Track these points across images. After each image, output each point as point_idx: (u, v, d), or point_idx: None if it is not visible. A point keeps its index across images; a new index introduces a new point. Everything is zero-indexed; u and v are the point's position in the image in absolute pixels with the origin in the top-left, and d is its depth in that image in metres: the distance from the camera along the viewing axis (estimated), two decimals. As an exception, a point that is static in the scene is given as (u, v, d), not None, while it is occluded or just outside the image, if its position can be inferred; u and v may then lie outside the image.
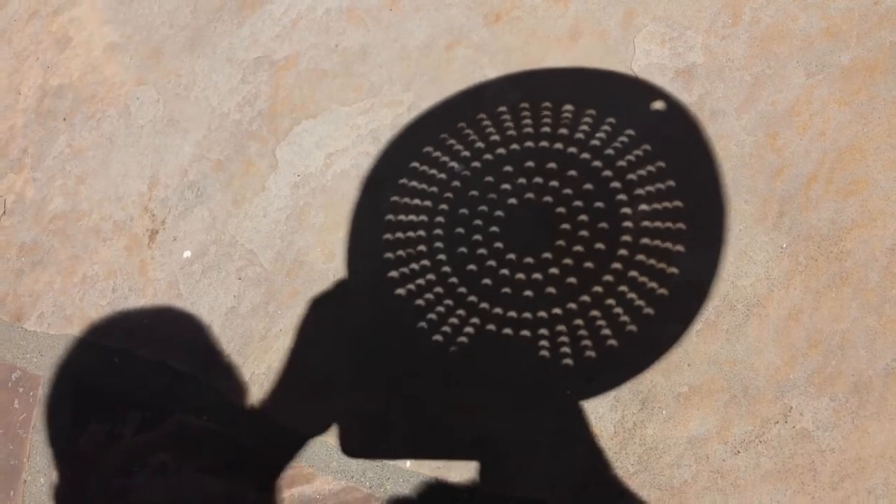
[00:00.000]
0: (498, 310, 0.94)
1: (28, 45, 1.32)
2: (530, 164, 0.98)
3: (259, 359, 1.02)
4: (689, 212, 0.91)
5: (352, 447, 0.96)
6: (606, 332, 0.90)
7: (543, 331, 0.92)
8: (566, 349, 0.91)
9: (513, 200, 0.97)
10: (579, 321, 0.91)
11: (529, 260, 0.94)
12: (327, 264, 1.02)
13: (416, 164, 1.02)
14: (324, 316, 1.01)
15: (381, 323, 0.98)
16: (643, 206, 0.93)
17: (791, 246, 0.86)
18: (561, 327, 0.92)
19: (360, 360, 0.98)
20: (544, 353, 0.91)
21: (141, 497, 1.02)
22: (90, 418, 1.07)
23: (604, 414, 0.88)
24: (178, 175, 1.14)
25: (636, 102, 0.97)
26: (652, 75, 0.97)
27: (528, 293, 0.94)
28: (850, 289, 0.84)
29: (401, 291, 0.98)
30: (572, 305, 0.92)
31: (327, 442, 0.96)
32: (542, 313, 0.92)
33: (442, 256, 0.98)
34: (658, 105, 0.95)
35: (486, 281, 0.95)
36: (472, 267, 0.96)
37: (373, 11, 1.12)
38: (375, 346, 0.97)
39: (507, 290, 0.94)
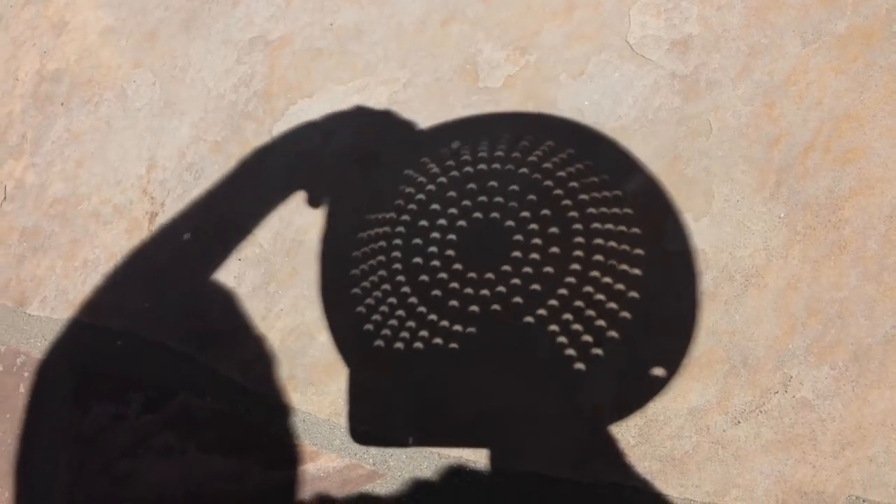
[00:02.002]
0: (501, 288, 0.94)
1: (24, 30, 1.31)
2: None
3: (261, 339, 1.02)
4: (678, 186, 0.91)
5: (355, 426, 0.96)
6: (607, 306, 0.90)
7: (544, 311, 0.92)
8: (567, 325, 0.91)
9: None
10: (579, 301, 0.91)
11: (537, 241, 0.94)
12: (326, 244, 1.02)
13: (411, 144, 1.02)
14: (323, 296, 1.01)
15: (381, 303, 0.98)
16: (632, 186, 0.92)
17: (789, 215, 0.86)
18: (559, 306, 0.92)
19: (362, 341, 0.98)
20: (545, 329, 0.91)
21: (147, 478, 1.03)
22: (94, 401, 1.08)
23: (605, 386, 0.88)
24: (176, 157, 1.14)
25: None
26: (647, 47, 0.96)
27: (530, 273, 0.94)
28: (848, 257, 0.84)
29: (397, 267, 0.98)
30: (571, 280, 0.92)
31: (330, 420, 0.97)
32: (543, 292, 0.93)
33: (453, 237, 0.98)
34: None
35: (490, 269, 0.95)
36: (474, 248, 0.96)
37: (367, -11, 1.12)
38: (376, 327, 0.97)
39: (508, 269, 0.94)
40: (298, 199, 1.05)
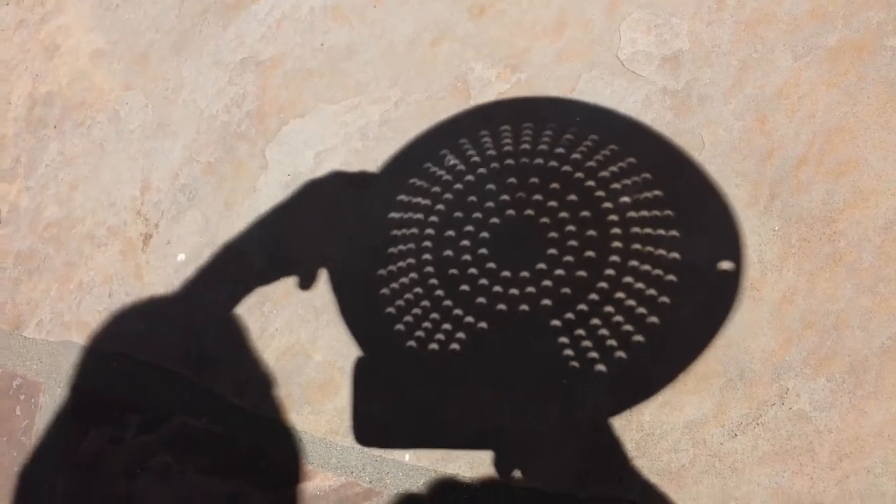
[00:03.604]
0: (501, 306, 0.94)
1: (16, 53, 1.32)
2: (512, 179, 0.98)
3: (256, 359, 1.02)
4: (675, 201, 0.91)
5: (352, 444, 0.96)
6: (601, 322, 0.90)
7: (543, 324, 0.92)
8: (563, 340, 0.91)
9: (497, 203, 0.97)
10: (571, 316, 0.91)
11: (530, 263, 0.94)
12: (320, 264, 1.02)
13: (405, 163, 1.02)
14: (318, 316, 1.01)
15: (375, 321, 0.98)
16: (625, 199, 0.93)
17: (783, 228, 0.86)
18: (556, 322, 0.92)
19: (358, 359, 0.98)
20: (543, 346, 0.91)
21: (144, 499, 1.03)
22: (91, 423, 1.08)
23: (601, 401, 0.88)
24: (169, 179, 1.14)
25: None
26: (638, 63, 0.97)
27: (526, 290, 0.94)
28: (843, 269, 0.84)
29: (388, 290, 0.98)
30: (567, 291, 0.92)
31: (326, 439, 0.97)
32: (542, 305, 0.93)
33: (428, 257, 0.98)
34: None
35: (483, 281, 0.95)
36: (470, 270, 0.96)
37: (357, 9, 1.12)
38: (373, 345, 0.97)
39: (505, 288, 0.94)
40: (292, 219, 1.05)
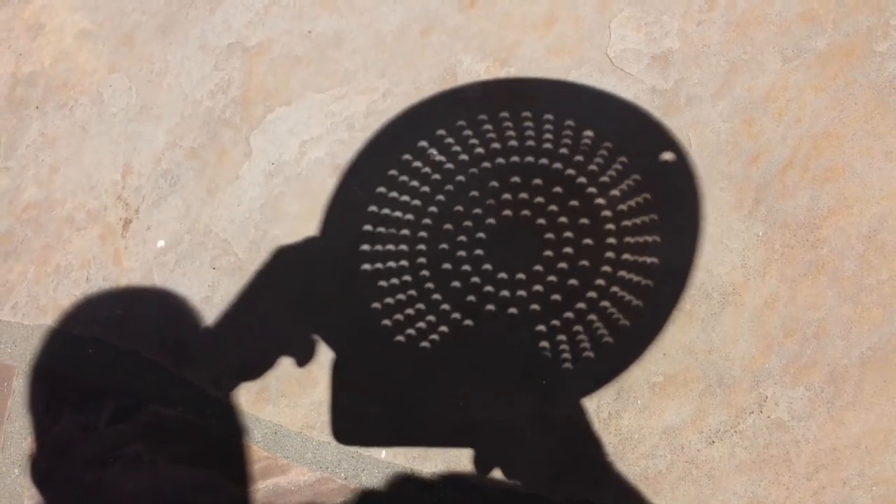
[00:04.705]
0: (479, 306, 0.93)
1: (0, 32, 1.30)
2: (493, 182, 0.97)
3: (233, 349, 1.01)
4: (662, 203, 0.90)
5: (329, 438, 0.95)
6: (581, 327, 0.89)
7: (524, 324, 0.91)
8: (545, 342, 0.90)
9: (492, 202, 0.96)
10: (555, 321, 0.91)
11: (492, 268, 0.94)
12: (301, 254, 1.01)
13: (393, 155, 1.01)
14: (299, 307, 1.00)
15: (356, 316, 0.97)
16: (615, 193, 0.92)
17: (767, 234, 0.86)
18: (538, 323, 0.91)
19: (337, 353, 0.97)
20: (524, 345, 0.91)
21: (116, 488, 1.02)
22: (64, 408, 1.06)
23: (579, 404, 0.88)
24: (151, 163, 1.13)
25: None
26: (627, 61, 0.96)
27: (506, 293, 0.93)
28: (826, 277, 0.83)
29: (369, 285, 0.97)
30: (555, 297, 0.91)
31: (302, 433, 0.96)
32: (522, 308, 0.92)
33: (422, 247, 0.97)
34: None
35: (467, 276, 0.95)
36: (447, 266, 0.96)
37: (347, -4, 1.11)
38: (351, 339, 0.97)
39: (487, 287, 0.94)
40: (275, 208, 1.04)
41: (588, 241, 0.91)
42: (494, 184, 0.96)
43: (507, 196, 0.95)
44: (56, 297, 1.12)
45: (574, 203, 0.93)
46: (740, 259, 0.86)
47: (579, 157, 0.94)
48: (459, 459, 0.90)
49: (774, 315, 0.84)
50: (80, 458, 1.04)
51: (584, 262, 0.91)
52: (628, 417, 0.86)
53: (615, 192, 0.92)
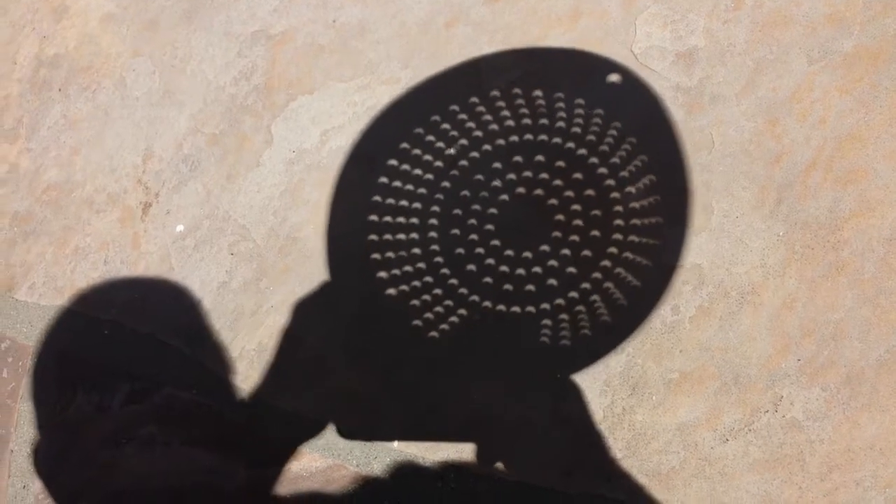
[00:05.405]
0: (490, 297, 0.93)
1: (25, 13, 1.30)
2: (518, 158, 0.97)
3: (249, 335, 1.01)
4: (678, 199, 0.90)
5: (341, 427, 0.95)
6: (598, 316, 0.89)
7: (537, 314, 0.91)
8: (562, 333, 0.90)
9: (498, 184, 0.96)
10: (565, 314, 0.91)
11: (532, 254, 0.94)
12: (320, 242, 1.01)
13: (408, 146, 1.01)
14: (315, 295, 1.00)
15: (372, 305, 0.97)
16: (630, 188, 0.92)
17: (788, 234, 0.86)
18: (553, 316, 0.91)
19: (352, 341, 0.97)
20: (538, 337, 0.91)
21: (129, 469, 1.02)
22: (78, 389, 1.07)
23: (594, 398, 0.88)
24: (172, 148, 1.13)
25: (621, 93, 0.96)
26: (652, 58, 0.96)
27: (521, 279, 0.93)
28: (845, 279, 0.83)
29: (386, 274, 0.97)
30: (566, 290, 0.91)
31: (316, 420, 0.96)
32: (536, 300, 0.92)
33: (433, 235, 0.97)
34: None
35: (472, 267, 0.95)
36: (459, 251, 0.96)
37: (372, -13, 1.11)
38: (367, 328, 0.97)
39: (500, 274, 0.94)
40: (295, 195, 1.05)
41: (617, 235, 0.91)
42: (518, 159, 0.96)
43: (527, 174, 0.95)
44: (73, 279, 1.12)
45: (588, 196, 0.93)
46: (760, 258, 0.86)
47: (604, 147, 0.94)
48: (472, 451, 0.90)
49: (792, 315, 0.84)
50: (93, 438, 1.04)
51: (608, 252, 0.91)
52: (642, 413, 0.86)
53: (631, 189, 0.92)
